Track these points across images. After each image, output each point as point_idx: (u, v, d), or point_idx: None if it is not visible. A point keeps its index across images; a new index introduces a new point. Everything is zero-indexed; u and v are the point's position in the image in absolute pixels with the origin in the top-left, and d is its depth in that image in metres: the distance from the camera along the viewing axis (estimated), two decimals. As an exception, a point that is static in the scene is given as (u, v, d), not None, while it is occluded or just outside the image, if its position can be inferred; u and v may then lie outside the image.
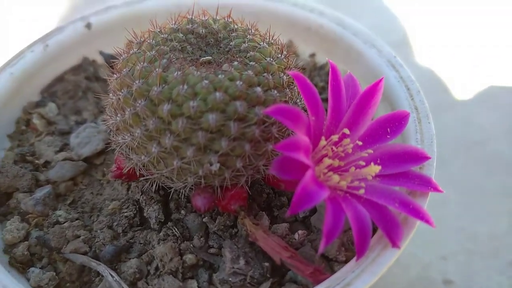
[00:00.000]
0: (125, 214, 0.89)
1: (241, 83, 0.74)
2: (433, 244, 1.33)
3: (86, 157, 0.98)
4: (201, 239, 0.83)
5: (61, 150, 0.99)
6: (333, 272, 0.78)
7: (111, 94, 0.83)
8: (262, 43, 0.83)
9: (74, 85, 1.13)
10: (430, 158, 0.82)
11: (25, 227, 0.88)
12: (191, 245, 0.83)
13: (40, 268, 0.85)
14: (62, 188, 0.94)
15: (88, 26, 1.14)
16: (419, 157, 0.81)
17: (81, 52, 1.16)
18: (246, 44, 0.82)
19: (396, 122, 0.83)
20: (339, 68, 1.11)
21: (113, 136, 0.84)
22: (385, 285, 1.26)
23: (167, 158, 0.76)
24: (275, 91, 0.78)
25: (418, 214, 0.74)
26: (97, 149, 0.98)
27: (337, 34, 1.10)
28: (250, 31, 0.87)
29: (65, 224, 0.87)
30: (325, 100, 1.07)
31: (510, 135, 1.57)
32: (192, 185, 0.80)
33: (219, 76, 0.75)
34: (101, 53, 1.18)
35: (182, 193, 0.83)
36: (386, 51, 1.03)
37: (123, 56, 0.84)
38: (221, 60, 0.81)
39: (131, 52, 0.82)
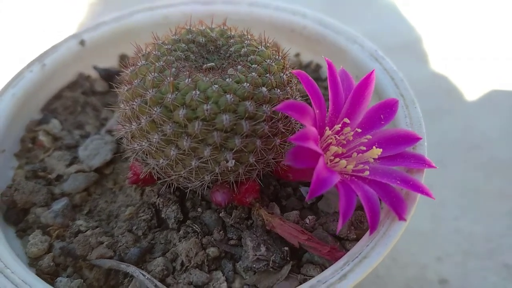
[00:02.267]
0: (143, 217, 0.93)
1: (248, 84, 0.81)
2: (430, 245, 1.40)
3: (97, 168, 1.02)
4: (220, 232, 0.89)
5: (71, 163, 1.03)
6: (346, 250, 0.85)
7: (122, 105, 0.88)
8: (260, 46, 0.90)
9: (72, 101, 1.16)
10: (421, 138, 0.90)
11: (48, 240, 0.92)
12: (212, 239, 0.88)
13: (66, 277, 0.88)
14: (78, 199, 0.98)
15: (82, 43, 1.18)
16: (412, 139, 0.90)
17: (76, 68, 1.20)
18: (246, 49, 0.89)
19: (387, 109, 0.92)
20: (324, 65, 1.20)
21: (127, 144, 0.89)
22: (384, 284, 1.33)
23: (185, 159, 0.82)
24: (278, 90, 0.84)
25: (418, 188, 0.82)
26: (106, 159, 1.02)
27: (320, 34, 1.18)
28: (246, 36, 0.93)
29: (87, 232, 0.91)
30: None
31: (508, 139, 1.64)
32: (208, 183, 0.85)
33: (227, 80, 0.81)
34: (95, 68, 1.22)
35: (198, 192, 0.89)
36: (368, 45, 1.11)
37: (131, 68, 0.88)
38: (223, 65, 0.87)
39: (139, 64, 0.86)
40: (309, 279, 0.81)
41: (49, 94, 1.16)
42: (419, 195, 0.83)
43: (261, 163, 0.86)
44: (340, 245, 0.87)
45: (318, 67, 1.23)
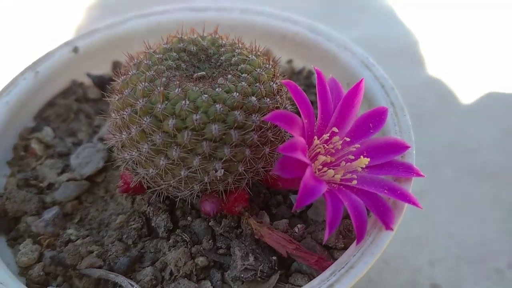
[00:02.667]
0: (133, 226, 0.93)
1: (237, 94, 0.81)
2: (422, 249, 1.40)
3: (88, 176, 1.02)
4: (210, 241, 0.89)
5: (63, 171, 1.03)
6: (334, 259, 0.86)
7: (113, 114, 0.88)
8: (250, 55, 0.90)
9: (65, 108, 1.16)
10: (409, 147, 0.91)
11: (38, 249, 0.92)
12: (201, 248, 0.88)
13: (56, 286, 0.89)
14: (69, 207, 0.98)
15: (75, 50, 1.18)
16: (400, 147, 0.90)
17: (69, 75, 1.20)
18: (236, 58, 0.89)
19: (377, 117, 0.92)
20: (318, 72, 1.20)
21: (118, 154, 0.89)
22: None
23: (174, 169, 0.82)
24: (268, 99, 0.85)
25: (406, 197, 0.82)
26: (98, 167, 1.02)
27: (312, 40, 1.18)
28: (237, 45, 0.94)
29: (77, 241, 0.91)
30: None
31: (501, 144, 1.64)
32: (198, 192, 0.86)
33: (216, 89, 0.82)
34: (89, 75, 1.22)
35: (188, 201, 0.89)
36: (359, 53, 1.12)
37: (122, 77, 0.88)
38: (214, 74, 0.88)
39: (130, 73, 0.87)
40: (297, 288, 0.81)
41: (42, 101, 1.17)
42: (406, 205, 0.83)
43: (250, 172, 0.86)
44: (329, 254, 0.87)
45: (310, 73, 1.24)
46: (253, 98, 0.82)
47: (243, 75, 0.85)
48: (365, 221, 0.79)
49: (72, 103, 1.18)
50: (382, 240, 0.79)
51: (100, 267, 0.89)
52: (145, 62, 0.89)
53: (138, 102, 0.81)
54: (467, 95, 1.82)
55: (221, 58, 0.90)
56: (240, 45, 0.94)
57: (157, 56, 0.89)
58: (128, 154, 0.86)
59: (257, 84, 0.85)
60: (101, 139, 1.09)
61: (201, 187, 0.84)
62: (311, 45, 1.19)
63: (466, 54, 1.98)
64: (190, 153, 0.80)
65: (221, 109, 0.79)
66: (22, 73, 1.12)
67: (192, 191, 0.85)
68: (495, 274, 1.34)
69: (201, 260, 0.87)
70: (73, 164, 1.03)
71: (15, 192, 0.97)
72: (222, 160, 0.81)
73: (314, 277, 0.82)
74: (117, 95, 0.88)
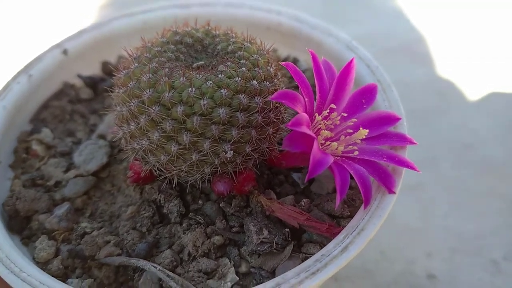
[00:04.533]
0: (145, 215, 0.97)
1: (239, 79, 0.86)
2: (419, 241, 1.46)
3: (93, 172, 1.04)
4: (223, 221, 0.94)
5: (68, 169, 1.05)
6: (342, 226, 0.91)
7: (118, 107, 0.91)
8: (245, 43, 0.95)
9: (60, 110, 1.18)
10: (401, 118, 0.98)
11: (54, 244, 0.94)
12: (216, 228, 0.93)
13: (76, 278, 0.91)
14: (79, 202, 1.01)
15: (65, 52, 1.20)
16: (393, 119, 0.97)
17: (60, 77, 1.22)
18: (232, 46, 0.94)
19: (368, 93, 0.99)
20: (303, 58, 1.26)
21: (126, 145, 0.92)
22: (373, 277, 1.38)
23: (185, 154, 0.86)
24: (267, 82, 0.90)
25: (403, 163, 0.89)
26: (102, 163, 1.05)
27: (296, 29, 1.24)
28: (230, 34, 0.98)
29: (93, 233, 0.94)
30: (295, 87, 1.22)
31: (500, 140, 1.70)
32: (208, 175, 0.90)
33: (219, 76, 0.86)
34: (80, 76, 1.24)
35: (197, 185, 0.93)
36: (343, 37, 1.18)
37: (124, 72, 0.92)
38: (212, 63, 0.92)
39: (132, 67, 0.90)
40: (310, 256, 0.86)
41: (37, 104, 1.18)
42: (404, 170, 0.90)
43: (256, 152, 0.91)
44: (336, 222, 0.93)
45: (295, 60, 1.29)
46: (254, 82, 0.87)
47: (242, 61, 0.90)
48: (370, 186, 0.85)
49: (66, 104, 1.20)
50: (387, 203, 0.85)
51: (118, 255, 0.92)
52: (145, 55, 0.92)
53: (145, 93, 0.85)
54: (467, 92, 1.88)
55: (217, 47, 0.95)
56: (233, 34, 0.99)
57: (156, 49, 0.93)
58: (137, 144, 0.89)
59: (256, 69, 0.90)
60: (101, 136, 1.12)
61: (211, 169, 0.89)
62: (296, 33, 1.24)
63: (468, 51, 2.05)
64: (200, 137, 0.84)
65: (226, 93, 0.84)
66: (15, 77, 1.13)
67: (203, 174, 0.89)
68: (491, 265, 1.40)
69: (217, 239, 0.91)
70: (77, 162, 1.05)
71: (25, 191, 0.98)
72: (231, 142, 0.86)
73: (324, 245, 0.88)
74: (121, 88, 0.91)
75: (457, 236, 1.47)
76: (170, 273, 0.86)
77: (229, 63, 0.90)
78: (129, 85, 0.89)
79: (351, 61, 0.95)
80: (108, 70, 1.28)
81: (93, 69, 1.27)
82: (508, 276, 1.39)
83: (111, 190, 1.05)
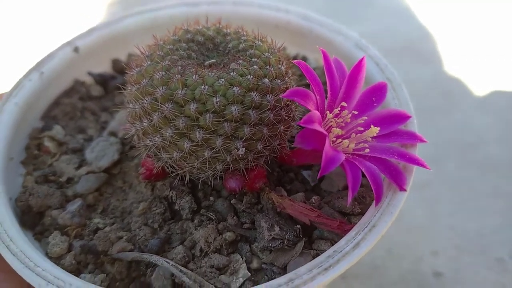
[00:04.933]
0: (156, 211, 0.98)
1: (251, 76, 0.86)
2: (425, 239, 1.47)
3: (105, 168, 1.05)
4: (234, 218, 0.95)
5: (80, 165, 1.06)
6: (352, 223, 0.92)
7: (131, 105, 0.92)
8: (256, 41, 0.96)
9: (71, 107, 1.19)
10: (411, 116, 0.98)
11: (67, 239, 0.95)
12: (227, 224, 0.93)
13: (88, 273, 0.92)
14: (91, 199, 1.02)
15: (76, 50, 1.21)
16: (403, 117, 0.97)
17: (71, 75, 1.23)
18: (243, 44, 0.95)
19: (378, 92, 0.99)
20: (312, 57, 1.27)
21: (139, 141, 0.93)
22: (380, 276, 1.40)
23: (198, 150, 0.87)
24: (279, 80, 0.90)
25: (414, 160, 0.89)
26: (114, 159, 1.06)
27: (305, 28, 1.25)
28: (241, 33, 0.99)
29: (105, 228, 0.95)
30: (305, 85, 1.22)
31: (503, 139, 1.71)
32: (220, 172, 0.91)
33: (231, 73, 0.87)
34: (90, 73, 1.25)
35: (209, 182, 0.94)
36: (352, 36, 1.19)
37: (137, 69, 0.92)
38: (224, 61, 0.93)
39: (145, 65, 0.91)
40: (321, 253, 0.87)
41: (48, 101, 1.19)
42: (415, 168, 0.91)
43: (268, 149, 0.91)
44: (347, 219, 0.93)
45: (304, 58, 1.30)
46: (266, 80, 0.88)
47: (253, 59, 0.91)
48: (381, 183, 0.86)
49: (76, 101, 1.20)
50: (398, 200, 0.86)
51: (131, 250, 0.92)
52: (158, 53, 0.93)
53: (158, 90, 0.86)
54: (472, 91, 1.89)
55: (229, 45, 0.95)
56: (244, 32, 1.00)
57: (168, 47, 0.94)
58: (150, 140, 0.90)
59: (268, 67, 0.90)
60: (112, 133, 1.12)
61: (223, 166, 0.89)
62: (305, 32, 1.25)
63: (473, 50, 2.05)
64: (213, 134, 0.85)
65: (239, 91, 0.85)
66: (27, 75, 1.14)
67: (215, 171, 0.90)
68: (496, 264, 1.41)
69: (228, 235, 0.92)
70: (88, 158, 1.06)
71: (38, 187, 0.99)
72: (243, 139, 0.87)
73: (335, 242, 0.89)
74: (134, 86, 0.92)
75: (462, 235, 1.48)
76: (183, 268, 0.87)
77: (240, 61, 0.90)
78: (142, 82, 0.90)
79: (361, 60, 0.96)
80: (118, 67, 1.29)
81: (104, 67, 1.28)
82: None
83: (123, 186, 1.05)
